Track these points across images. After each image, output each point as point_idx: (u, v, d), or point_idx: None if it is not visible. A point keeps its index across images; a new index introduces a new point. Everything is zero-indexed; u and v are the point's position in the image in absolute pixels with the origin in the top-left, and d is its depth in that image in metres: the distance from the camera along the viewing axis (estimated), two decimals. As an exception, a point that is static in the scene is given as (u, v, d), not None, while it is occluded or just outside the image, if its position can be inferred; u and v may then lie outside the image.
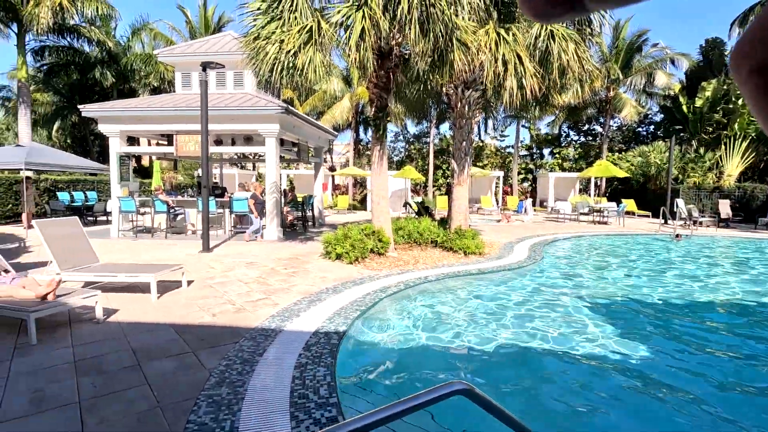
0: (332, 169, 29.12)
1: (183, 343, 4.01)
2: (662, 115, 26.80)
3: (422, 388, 1.28)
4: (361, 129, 27.71)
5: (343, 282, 6.47)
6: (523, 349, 4.49)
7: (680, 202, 17.30)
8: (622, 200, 21.46)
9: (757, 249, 11.86)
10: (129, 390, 3.12)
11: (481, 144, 28.50)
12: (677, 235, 13.58)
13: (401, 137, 32.10)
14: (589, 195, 23.51)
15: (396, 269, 7.50)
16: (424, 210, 14.32)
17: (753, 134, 21.02)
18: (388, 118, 8.07)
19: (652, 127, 28.79)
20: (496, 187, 25.17)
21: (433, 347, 4.47)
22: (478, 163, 27.59)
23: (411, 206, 15.40)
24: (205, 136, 8.98)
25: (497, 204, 23.85)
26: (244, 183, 14.01)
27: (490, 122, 26.45)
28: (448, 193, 11.82)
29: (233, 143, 14.12)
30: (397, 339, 4.64)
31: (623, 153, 25.01)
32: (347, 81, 24.10)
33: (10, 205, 14.68)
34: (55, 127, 24.46)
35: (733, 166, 20.69)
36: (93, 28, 20.89)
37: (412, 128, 30.62)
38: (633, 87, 23.41)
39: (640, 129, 29.11)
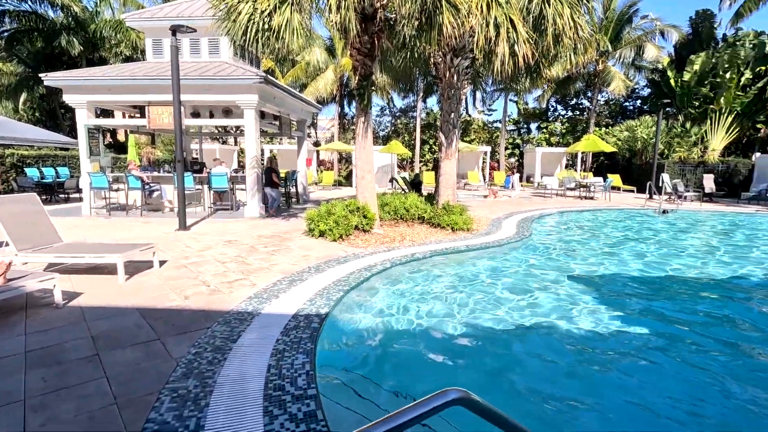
0: (317, 144, 28.43)
1: (149, 329, 3.69)
2: (650, 90, 26.62)
3: (409, 376, 1.01)
4: (346, 102, 26.92)
5: (327, 260, 6.18)
6: (515, 326, 4.30)
7: (665, 176, 17.32)
8: (609, 175, 21.48)
9: (740, 223, 11.93)
10: (84, 384, 2.81)
11: (468, 118, 28.04)
12: (664, 211, 13.60)
13: (387, 111, 31.41)
14: (576, 170, 23.44)
15: (382, 246, 7.23)
16: (413, 186, 13.98)
17: (738, 109, 21.03)
18: (373, 88, 7.61)
19: (639, 101, 28.65)
20: (484, 162, 24.91)
21: (421, 328, 4.25)
22: (465, 138, 27.22)
23: (397, 182, 15.04)
24: (178, 106, 8.39)
25: (484, 179, 23.67)
26: (221, 158, 13.43)
27: (478, 95, 25.95)
28: (436, 168, 11.50)
29: (211, 116, 13.43)
30: (382, 320, 4.40)
31: (610, 128, 24.89)
32: (331, 52, 23.18)
33: (-27, 182, 13.85)
34: (22, 99, 23.08)
35: (718, 140, 20.77)
36: (56, -9, 19.46)
37: (399, 102, 29.93)
38: (622, 60, 23.04)
39: (627, 104, 28.96)
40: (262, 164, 11.39)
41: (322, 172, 23.78)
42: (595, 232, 10.24)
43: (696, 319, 4.85)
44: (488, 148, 24.11)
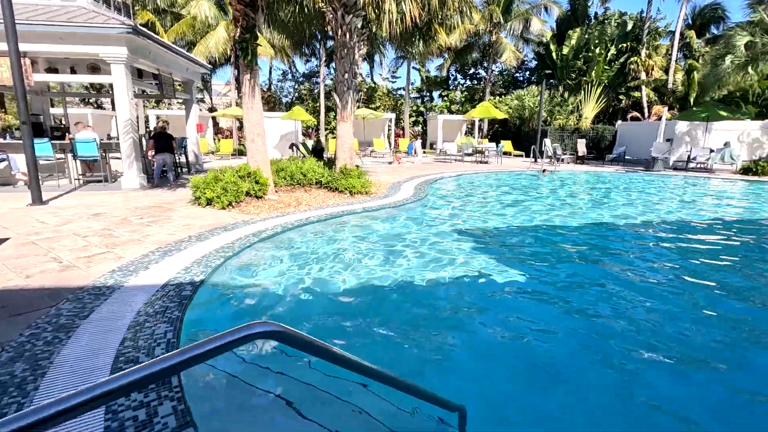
0: (212, 110, 26.23)
1: (-29, 314, 3.10)
2: (536, 62, 28.88)
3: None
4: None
5: (212, 228, 5.76)
6: (405, 282, 4.45)
7: (547, 141, 19.18)
8: (502, 141, 23.19)
9: (603, 180, 13.76)
10: None
11: (373, 85, 27.94)
12: (544, 170, 15.10)
13: (290, 76, 29.93)
14: (474, 137, 24.86)
15: (276, 213, 6.95)
16: (315, 153, 13.62)
17: (605, 81, 23.85)
18: (257, 42, 7.05)
19: (527, 72, 30.98)
20: (389, 129, 25.21)
21: (309, 290, 4.18)
22: (371, 105, 27.17)
23: (298, 148, 14.54)
24: (16, 57, 6.96)
25: (390, 146, 24.02)
26: (92, 123, 11.67)
27: (381, 61, 25.85)
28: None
29: (73, 72, 11.54)
30: (268, 285, 4.24)
31: (503, 97, 26.65)
32: (221, 7, 21.12)
33: None
34: None
35: (590, 109, 23.43)
36: None
37: (302, 67, 28.63)
38: (512, 32, 24.54)
39: (518, 74, 31.16)
40: (149, 130, 10.13)
41: (219, 140, 22.09)
42: (484, 192, 11.01)
43: (572, 255, 5.48)
44: (393, 115, 24.38)
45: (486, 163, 18.69)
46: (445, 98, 28.51)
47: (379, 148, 22.82)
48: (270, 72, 29.98)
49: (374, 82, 28.96)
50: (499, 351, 3.23)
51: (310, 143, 17.65)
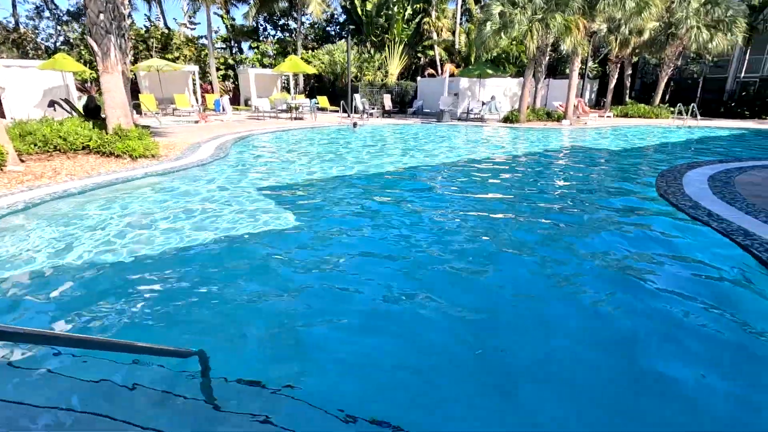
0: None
1: None
2: (345, 16, 29.31)
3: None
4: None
5: None
6: (188, 246, 4.20)
7: (357, 97, 20.13)
8: (317, 97, 23.32)
9: (404, 130, 15.31)
10: None
11: (166, 32, 24.21)
12: (354, 124, 15.91)
13: (48, 14, 23.48)
14: (290, 92, 24.31)
15: (19, 187, 5.63)
16: (89, 113, 11.28)
17: (406, 40, 25.86)
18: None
19: (338, 27, 31.26)
20: (194, 84, 22.55)
21: (61, 268, 3.59)
22: (168, 55, 23.65)
23: (61, 106, 11.83)
24: None
25: (198, 103, 21.65)
26: None
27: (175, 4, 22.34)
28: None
29: None
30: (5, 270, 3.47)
31: (315, 51, 26.48)
32: None
33: None
34: None
35: (394, 66, 25.27)
36: None
37: (64, 2, 22.69)
38: (318, -17, 24.13)
39: (329, 28, 31.16)
40: None
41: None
42: (293, 148, 11.03)
43: (380, 195, 5.97)
44: (196, 68, 21.81)
45: (301, 119, 18.62)
46: (256, 50, 26.77)
47: (182, 106, 20.34)
48: (14, 4, 22.93)
49: (168, 28, 25.11)
50: (240, 301, 3.41)
51: (83, 99, 14.54)
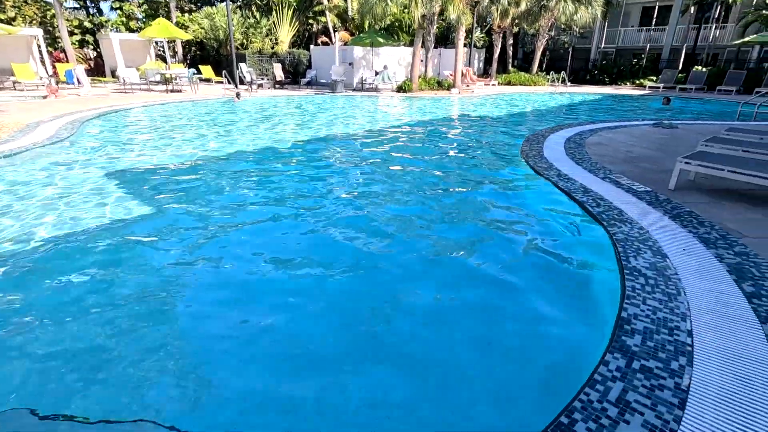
0: None
1: None
2: (226, -24, 26.62)
3: None
4: None
5: None
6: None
7: (244, 66, 18.62)
8: (200, 66, 21.11)
9: (298, 101, 14.55)
10: None
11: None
12: (237, 94, 14.73)
13: None
14: (167, 61, 21.69)
15: None
16: None
17: (295, 4, 24.38)
18: None
19: (220, -12, 28.39)
20: (40, 52, 18.93)
21: None
22: (0, 15, 19.47)
23: None
24: None
25: (48, 75, 18.27)
26: None
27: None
28: None
29: None
30: None
31: (193, 14, 23.81)
32: None
33: None
34: None
35: (285, 33, 23.79)
36: None
37: None
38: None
39: (209, -11, 28.15)
40: None
41: None
42: (155, 127, 9.76)
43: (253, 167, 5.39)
44: (40, 32, 18.26)
45: (179, 91, 16.74)
46: (120, 12, 23.24)
47: (26, 78, 17.01)
48: None
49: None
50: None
51: None
